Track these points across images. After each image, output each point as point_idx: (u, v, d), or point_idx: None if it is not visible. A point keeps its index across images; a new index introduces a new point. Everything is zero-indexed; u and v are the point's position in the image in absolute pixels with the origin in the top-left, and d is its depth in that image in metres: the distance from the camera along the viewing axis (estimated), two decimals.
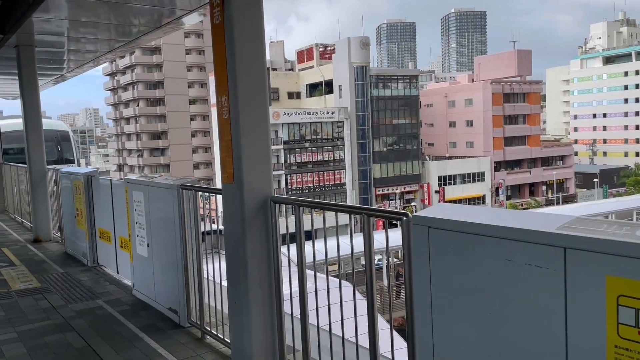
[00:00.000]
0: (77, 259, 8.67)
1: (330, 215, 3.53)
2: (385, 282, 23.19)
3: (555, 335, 2.11)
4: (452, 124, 70.65)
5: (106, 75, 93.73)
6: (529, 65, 71.30)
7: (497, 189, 65.07)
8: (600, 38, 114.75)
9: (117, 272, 7.41)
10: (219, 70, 3.82)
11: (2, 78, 16.71)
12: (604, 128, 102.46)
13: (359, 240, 3.30)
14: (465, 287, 2.44)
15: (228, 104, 3.75)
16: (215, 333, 4.80)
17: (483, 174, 64.57)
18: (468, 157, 65.98)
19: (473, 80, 74.80)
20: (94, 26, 10.03)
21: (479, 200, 63.28)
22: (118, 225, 7.19)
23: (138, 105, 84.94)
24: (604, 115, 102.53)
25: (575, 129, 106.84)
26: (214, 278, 4.93)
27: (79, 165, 22.68)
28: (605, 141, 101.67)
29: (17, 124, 18.75)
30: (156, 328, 5.32)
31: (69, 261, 8.60)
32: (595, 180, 67.54)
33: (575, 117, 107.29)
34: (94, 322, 5.59)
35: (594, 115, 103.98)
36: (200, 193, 5.08)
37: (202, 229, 5.16)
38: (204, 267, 5.11)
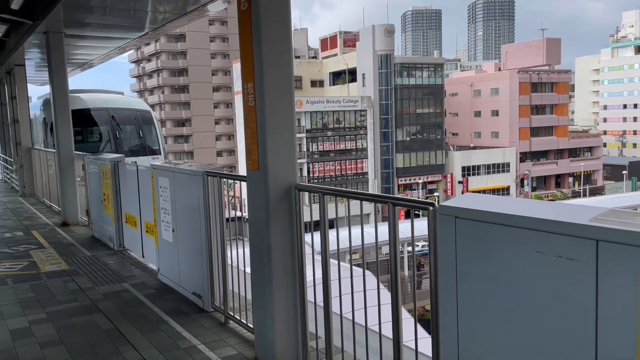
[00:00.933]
0: (103, 242, 8.84)
1: (354, 204, 3.51)
2: (406, 272, 23.16)
3: (585, 330, 2.07)
4: (477, 114, 69.63)
5: (132, 62, 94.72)
6: (558, 54, 69.69)
7: (522, 180, 64.09)
8: (632, 26, 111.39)
9: (143, 257, 7.54)
10: (245, 58, 3.81)
11: (32, 64, 17.03)
12: (635, 119, 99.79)
13: (382, 229, 3.28)
14: (492, 279, 2.41)
15: (254, 91, 3.74)
16: (239, 318, 4.85)
17: (508, 164, 63.62)
18: (493, 147, 65.06)
19: (500, 69, 73.49)
20: (120, 13, 10.13)
21: (504, 191, 62.44)
22: (144, 211, 7.30)
23: (163, 93, 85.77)
24: (635, 105, 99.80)
25: (605, 120, 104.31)
26: (237, 264, 4.98)
27: (165, 158, 17.75)
28: (635, 132, 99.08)
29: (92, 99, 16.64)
30: (180, 312, 5.41)
31: (96, 245, 8.78)
32: (624, 172, 65.99)
33: (605, 107, 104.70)
34: (120, 305, 5.71)
35: (625, 106, 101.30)
36: (224, 180, 5.11)
37: (227, 216, 5.21)
38: (228, 253, 5.15)
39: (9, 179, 19.90)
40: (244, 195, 4.32)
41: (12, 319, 5.37)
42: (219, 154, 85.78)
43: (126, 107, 16.22)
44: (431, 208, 2.72)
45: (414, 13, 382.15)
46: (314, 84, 66.14)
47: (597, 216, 2.13)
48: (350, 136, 57.47)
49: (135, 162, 7.66)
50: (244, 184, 4.34)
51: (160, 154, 15.57)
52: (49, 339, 4.83)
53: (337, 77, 64.99)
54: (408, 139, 60.25)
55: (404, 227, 3.89)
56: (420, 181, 60.18)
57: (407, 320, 3.66)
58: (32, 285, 6.55)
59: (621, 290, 1.95)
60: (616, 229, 1.95)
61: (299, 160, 52.96)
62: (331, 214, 3.90)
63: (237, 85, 59.72)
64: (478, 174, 61.90)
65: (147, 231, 7.26)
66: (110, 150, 15.08)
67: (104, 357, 4.41)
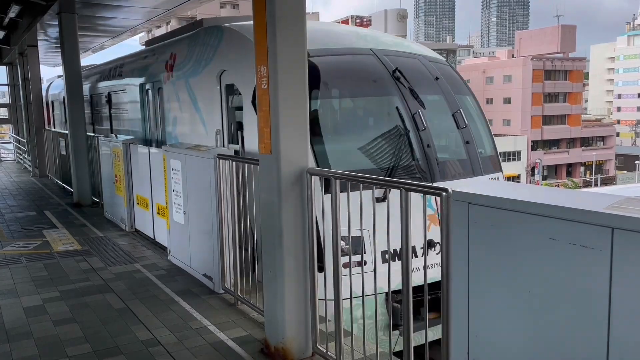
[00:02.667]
0: (115, 223, 8.93)
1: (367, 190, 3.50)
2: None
3: (597, 318, 2.07)
4: (489, 101, 68.93)
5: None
6: (573, 41, 68.60)
7: (532, 169, 63.61)
8: None
9: (154, 238, 7.61)
10: (259, 41, 3.79)
11: (44, 46, 17.07)
12: None
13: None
14: (504, 265, 2.41)
15: (267, 74, 3.73)
16: (249, 300, 4.90)
17: (519, 152, 63.05)
18: (504, 135, 64.53)
19: (513, 56, 72.50)
20: None
21: (514, 179, 62.03)
22: (155, 193, 7.35)
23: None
24: None
25: (619, 109, 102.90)
26: (248, 246, 5.01)
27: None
28: None
29: None
30: (191, 293, 5.46)
31: (107, 225, 8.87)
32: (637, 162, 65.19)
33: (619, 96, 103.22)
34: (132, 285, 5.78)
35: (639, 95, 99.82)
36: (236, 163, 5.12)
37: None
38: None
39: (21, 159, 20.09)
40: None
41: (26, 297, 5.46)
42: None
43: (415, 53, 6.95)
44: (444, 194, 2.72)
45: None
46: None
47: (613, 204, 2.11)
48: None
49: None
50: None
51: (500, 166, 6.71)
52: (62, 317, 4.91)
53: None
54: None
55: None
56: None
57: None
58: (46, 264, 6.64)
59: (636, 278, 1.94)
60: (633, 216, 1.93)
61: None
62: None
63: None
64: None
65: (158, 213, 7.32)
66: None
67: (115, 335, 4.48)
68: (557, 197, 2.36)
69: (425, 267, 3.05)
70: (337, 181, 3.64)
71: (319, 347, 3.97)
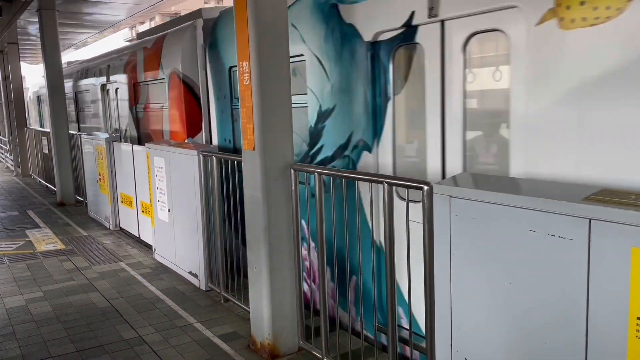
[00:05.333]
0: (99, 222, 8.85)
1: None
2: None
3: (576, 307, 2.10)
4: None
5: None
6: None
7: None
8: None
9: (139, 236, 7.56)
10: (240, 36, 3.78)
11: (25, 43, 16.83)
12: None
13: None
14: (486, 257, 2.43)
15: (249, 69, 3.72)
16: (235, 297, 4.89)
17: None
18: None
19: None
20: None
21: None
22: (139, 191, 7.30)
23: None
24: None
25: None
26: (234, 243, 5.00)
27: None
28: None
29: None
30: (177, 291, 5.44)
31: (91, 224, 8.78)
32: None
33: None
34: (117, 284, 5.73)
35: None
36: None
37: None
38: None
39: (3, 158, 19.83)
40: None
41: (9, 298, 5.39)
42: None
43: None
44: (426, 187, 2.73)
45: None
46: None
47: (590, 195, 2.14)
48: None
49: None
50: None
51: None
52: (46, 317, 4.86)
53: None
54: None
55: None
56: None
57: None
58: (29, 264, 6.57)
59: (612, 268, 1.97)
60: (609, 207, 1.97)
61: None
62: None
63: None
64: None
65: (143, 211, 7.27)
66: None
67: (100, 335, 4.44)
68: (536, 189, 2.39)
69: (408, 261, 3.07)
70: (322, 177, 3.64)
71: (306, 342, 3.98)
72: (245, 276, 4.23)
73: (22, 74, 16.68)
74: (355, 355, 3.71)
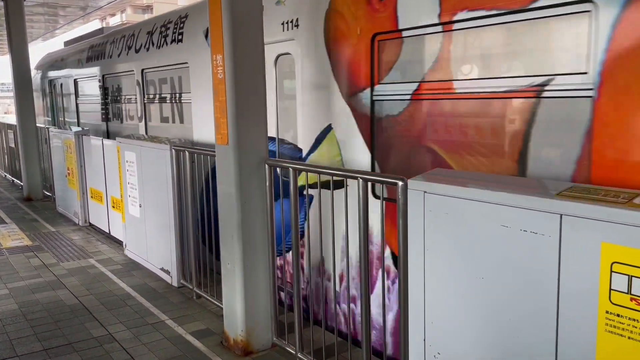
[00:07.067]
0: (68, 218, 8.65)
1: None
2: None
3: (547, 301, 2.14)
4: None
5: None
6: None
7: None
8: None
9: (109, 232, 7.41)
10: (214, 29, 3.72)
11: None
12: None
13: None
14: (459, 253, 2.45)
15: (223, 63, 3.66)
16: (208, 294, 4.84)
17: None
18: None
19: None
20: None
21: None
22: (110, 186, 7.15)
23: None
24: None
25: None
26: (208, 239, 4.94)
27: None
28: None
29: None
30: (148, 287, 5.35)
31: (60, 220, 8.58)
32: None
33: None
34: (86, 281, 5.61)
35: None
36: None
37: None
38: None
39: None
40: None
41: None
42: None
43: None
44: (401, 183, 2.74)
45: None
46: None
47: (562, 191, 2.18)
48: None
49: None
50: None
51: None
52: (12, 315, 4.72)
53: None
54: None
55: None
56: None
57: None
58: None
59: (583, 263, 2.01)
60: (579, 203, 2.00)
61: None
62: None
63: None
64: None
65: (113, 206, 7.13)
66: None
67: (68, 333, 4.34)
68: (509, 185, 2.42)
69: (382, 255, 3.07)
70: (296, 172, 3.62)
71: (279, 338, 3.96)
72: (219, 272, 4.18)
73: None
74: (329, 350, 3.70)
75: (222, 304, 4.15)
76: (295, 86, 4.44)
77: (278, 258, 4.22)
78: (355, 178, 3.12)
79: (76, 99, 10.32)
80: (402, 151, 3.63)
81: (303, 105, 4.31)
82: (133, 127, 7.91)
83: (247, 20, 3.64)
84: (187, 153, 4.94)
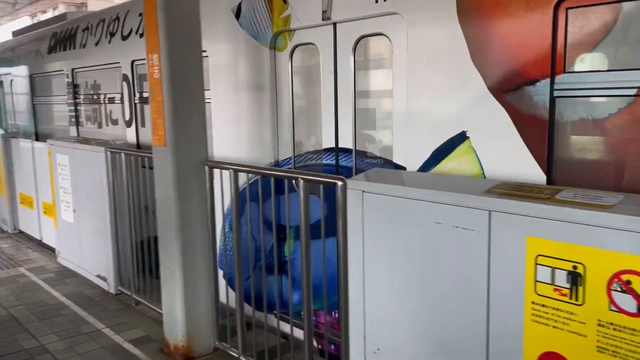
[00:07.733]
0: None
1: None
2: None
3: (479, 294, 2.22)
4: None
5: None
6: None
7: None
8: None
9: (41, 239, 7.08)
10: (149, 28, 3.63)
11: None
12: None
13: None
14: (396, 249, 2.51)
15: (159, 62, 3.58)
16: (147, 300, 4.70)
17: None
18: None
19: None
20: None
21: None
22: (41, 190, 6.83)
23: None
24: None
25: None
26: (147, 245, 4.81)
27: None
28: None
29: None
30: (83, 296, 5.15)
31: None
32: None
33: None
34: (16, 290, 5.33)
35: None
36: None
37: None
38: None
39: None
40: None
41: None
42: None
43: None
44: (340, 183, 2.77)
45: None
46: None
47: (491, 188, 2.28)
48: None
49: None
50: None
51: None
52: None
53: None
54: None
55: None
56: None
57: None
58: None
59: (510, 257, 2.11)
60: (505, 200, 2.10)
61: None
62: None
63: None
64: None
65: (44, 212, 6.81)
66: None
67: None
68: (442, 183, 2.50)
69: (324, 256, 3.10)
70: (237, 173, 3.59)
71: (221, 342, 3.91)
72: (158, 277, 4.08)
73: None
74: (272, 352, 3.69)
75: (162, 310, 4.05)
76: (387, 79, 3.35)
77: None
78: (296, 178, 3.14)
79: (32, 99, 8.47)
80: (612, 171, 2.48)
81: (407, 105, 3.13)
82: (117, 133, 6.29)
83: (184, 18, 3.58)
84: (122, 155, 4.79)
